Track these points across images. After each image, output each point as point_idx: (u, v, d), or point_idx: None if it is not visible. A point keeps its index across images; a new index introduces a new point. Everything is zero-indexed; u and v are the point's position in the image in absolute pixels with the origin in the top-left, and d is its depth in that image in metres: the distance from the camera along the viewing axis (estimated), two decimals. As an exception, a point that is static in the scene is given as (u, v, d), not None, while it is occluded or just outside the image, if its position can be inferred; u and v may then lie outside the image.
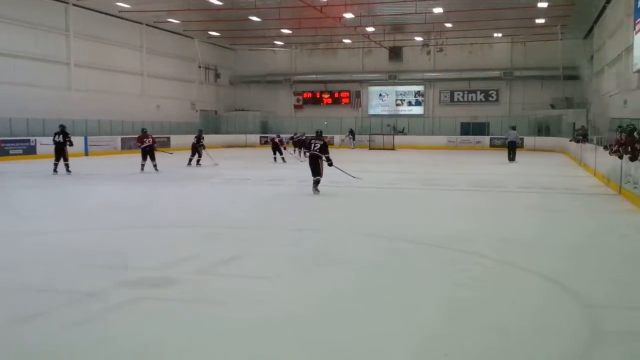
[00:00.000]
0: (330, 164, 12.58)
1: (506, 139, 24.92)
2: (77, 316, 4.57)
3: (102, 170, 19.29)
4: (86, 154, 26.37)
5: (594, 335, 4.32)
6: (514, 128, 25.31)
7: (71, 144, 17.15)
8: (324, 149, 12.54)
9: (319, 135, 13.19)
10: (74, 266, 6.26)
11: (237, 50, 42.78)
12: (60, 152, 16.93)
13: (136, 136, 19.80)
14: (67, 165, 16.87)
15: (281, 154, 23.00)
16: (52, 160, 17.10)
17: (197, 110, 39.12)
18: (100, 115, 28.96)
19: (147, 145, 17.98)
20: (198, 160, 20.67)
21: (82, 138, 26.62)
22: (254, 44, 40.08)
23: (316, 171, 12.44)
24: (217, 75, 41.25)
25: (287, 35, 36.29)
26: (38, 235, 8.05)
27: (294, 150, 25.48)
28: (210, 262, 6.37)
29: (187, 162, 20.54)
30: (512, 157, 23.80)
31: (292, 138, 27.47)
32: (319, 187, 12.40)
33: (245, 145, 37.48)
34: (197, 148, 20.71)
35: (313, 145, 12.70)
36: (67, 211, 10.51)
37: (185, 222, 9.20)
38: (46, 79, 27.03)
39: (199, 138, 20.86)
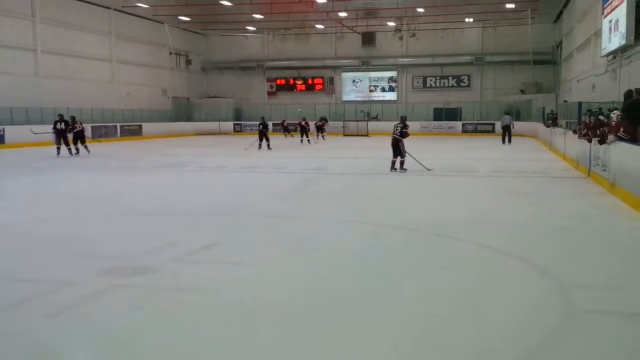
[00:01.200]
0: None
1: (501, 123, 26.62)
2: (54, 305, 4.52)
3: (72, 159, 18.94)
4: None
5: (564, 314, 4.43)
6: (507, 113, 27.36)
7: (70, 131, 19.41)
8: (404, 133, 13.90)
9: (402, 120, 14.34)
10: (48, 255, 6.17)
11: (209, 36, 42.30)
12: (64, 139, 19.10)
13: (106, 124, 22.93)
14: (69, 149, 19.19)
15: (307, 136, 27.28)
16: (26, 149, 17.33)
17: (168, 97, 38.67)
18: (69, 102, 28.34)
19: (78, 131, 19.71)
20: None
21: (51, 126, 26.06)
22: (225, 29, 39.65)
23: (397, 152, 13.93)
24: (189, 62, 40.78)
25: (259, 21, 36.01)
26: (8, 224, 7.91)
27: (317, 135, 29.47)
28: (188, 249, 6.34)
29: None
30: (508, 140, 25.59)
31: (316, 123, 30.79)
32: (404, 166, 13.98)
33: (219, 133, 37.18)
34: None
35: (395, 129, 13.98)
36: (39, 200, 10.34)
37: (162, 210, 9.12)
38: (12, 66, 26.41)
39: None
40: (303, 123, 27.76)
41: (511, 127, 26.02)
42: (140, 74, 35.66)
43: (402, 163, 13.99)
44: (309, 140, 27.06)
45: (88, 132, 27.75)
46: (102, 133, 29.03)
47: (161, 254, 6.07)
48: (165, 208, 9.33)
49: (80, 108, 28.69)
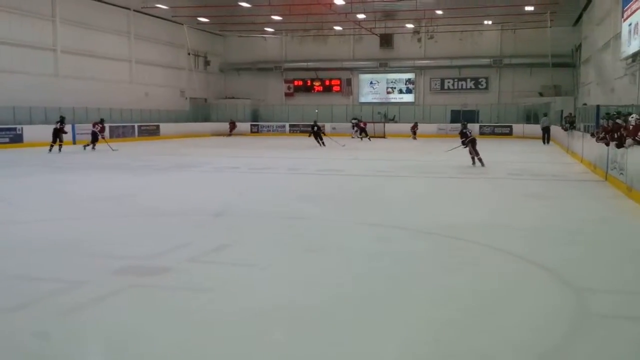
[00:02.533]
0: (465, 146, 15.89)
1: (541, 125, 28.53)
2: (67, 305, 4.56)
3: (90, 158, 19.15)
4: (74, 142, 26.15)
5: (577, 317, 4.39)
6: (546, 115, 29.38)
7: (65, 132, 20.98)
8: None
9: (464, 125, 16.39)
10: (62, 255, 6.23)
11: (227, 37, 42.51)
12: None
13: (124, 124, 24.38)
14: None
15: (367, 135, 30.79)
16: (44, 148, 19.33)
17: (186, 98, 38.91)
18: (88, 102, 28.70)
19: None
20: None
21: (70, 126, 26.40)
22: (243, 30, 39.82)
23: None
24: (207, 63, 41.01)
25: (278, 22, 36.09)
26: (25, 224, 8.02)
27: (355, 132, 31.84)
28: (201, 250, 6.37)
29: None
30: (547, 141, 27.52)
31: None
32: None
33: (235, 134, 37.34)
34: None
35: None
36: (55, 200, 10.46)
37: (176, 211, 9.17)
38: (32, 65, 26.73)
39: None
40: (362, 124, 31.52)
41: (549, 128, 27.81)
42: (158, 75, 35.93)
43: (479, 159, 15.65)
44: (369, 139, 30.58)
45: (106, 132, 28.25)
46: (120, 133, 29.28)
47: (175, 255, 6.11)
48: (180, 208, 9.37)
49: (98, 108, 29.01)
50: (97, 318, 4.32)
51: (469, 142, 15.79)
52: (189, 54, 38.65)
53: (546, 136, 27.92)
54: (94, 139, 22.41)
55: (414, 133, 32.24)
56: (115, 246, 6.59)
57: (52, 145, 20.65)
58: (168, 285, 5.12)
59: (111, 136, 28.43)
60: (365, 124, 31.90)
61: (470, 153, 15.83)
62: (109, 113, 29.61)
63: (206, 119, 39.20)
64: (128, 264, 5.74)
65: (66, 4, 28.47)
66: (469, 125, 17.68)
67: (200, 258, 6.04)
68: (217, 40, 42.28)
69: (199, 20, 36.31)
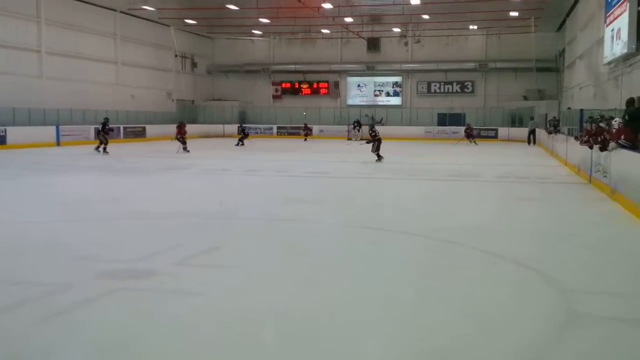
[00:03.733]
0: None
1: (529, 127, 31.06)
2: (54, 308, 4.53)
3: (76, 160, 19.03)
4: (58, 144, 25.97)
5: (567, 319, 4.45)
6: (532, 118, 31.77)
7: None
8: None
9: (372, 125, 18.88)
10: (48, 258, 6.18)
11: (215, 39, 42.41)
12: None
13: (111, 126, 23.05)
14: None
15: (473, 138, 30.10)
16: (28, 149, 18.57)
17: (173, 100, 38.74)
18: (73, 104, 28.49)
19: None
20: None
21: (54, 127, 26.24)
22: (231, 32, 39.77)
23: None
24: (194, 64, 40.89)
25: (265, 25, 36.10)
26: (10, 225, 7.95)
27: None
28: (189, 253, 6.35)
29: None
30: (533, 142, 29.92)
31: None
32: None
33: (223, 136, 37.26)
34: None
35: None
36: (40, 202, 10.35)
37: (163, 213, 9.12)
38: (17, 66, 26.45)
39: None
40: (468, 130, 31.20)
41: (535, 130, 30.23)
42: (145, 76, 35.75)
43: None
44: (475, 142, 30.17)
45: (90, 134, 28.06)
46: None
47: (162, 258, 6.07)
48: (167, 211, 9.31)
49: (83, 110, 28.86)
50: (84, 322, 4.29)
51: (375, 141, 17.37)
52: (176, 55, 38.49)
53: (532, 138, 30.08)
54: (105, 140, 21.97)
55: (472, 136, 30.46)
56: (101, 249, 6.54)
57: (98, 146, 21.52)
58: (156, 289, 5.09)
59: (96, 138, 28.22)
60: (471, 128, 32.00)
61: (373, 151, 17.82)
62: (94, 115, 29.42)
63: (193, 121, 39.02)
64: (115, 268, 5.71)
65: (51, 4, 28.25)
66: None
67: (188, 261, 6.03)
68: (204, 42, 42.18)
69: (186, 22, 36.21)
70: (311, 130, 35.23)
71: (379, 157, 17.84)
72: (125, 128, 31.14)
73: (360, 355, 3.81)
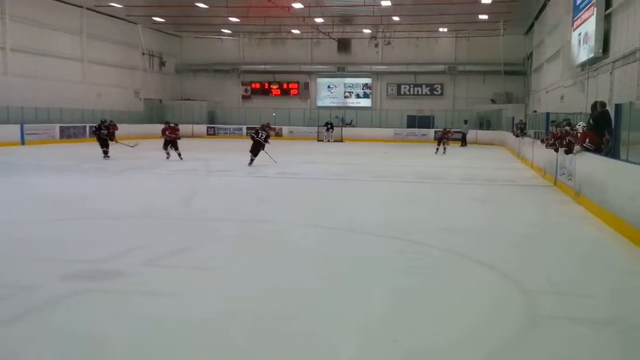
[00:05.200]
0: None
1: (463, 130, 32.04)
2: (17, 310, 4.43)
3: (40, 160, 18.61)
4: (22, 142, 25.37)
5: (533, 320, 4.52)
6: (466, 122, 32.71)
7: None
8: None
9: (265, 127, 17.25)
10: (12, 259, 6.05)
11: (183, 38, 41.96)
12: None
13: (75, 125, 23.29)
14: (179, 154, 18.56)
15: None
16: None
17: (140, 99, 38.19)
18: (38, 102, 27.86)
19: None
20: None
21: (18, 126, 25.62)
22: (200, 31, 39.39)
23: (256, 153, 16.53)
24: (162, 63, 40.38)
25: (235, 24, 35.87)
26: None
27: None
28: (156, 253, 6.28)
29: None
30: (464, 144, 30.88)
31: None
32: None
33: (192, 136, 36.88)
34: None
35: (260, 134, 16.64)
36: (4, 203, 10.11)
37: (130, 214, 9.01)
38: (-20, 63, 25.78)
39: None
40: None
41: (466, 134, 31.68)
42: (112, 75, 35.17)
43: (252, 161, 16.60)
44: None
45: (55, 132, 27.47)
46: (71, 133, 28.58)
47: (128, 258, 6.00)
48: (134, 211, 9.21)
49: (48, 108, 28.24)
50: (50, 323, 4.21)
51: (263, 144, 16.77)
52: (143, 54, 37.95)
53: (464, 140, 31.54)
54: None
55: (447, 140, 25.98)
56: (66, 250, 6.43)
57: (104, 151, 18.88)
58: (123, 290, 5.03)
59: (61, 137, 27.75)
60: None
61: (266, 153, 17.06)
62: (59, 113, 28.86)
63: (161, 120, 38.46)
64: (80, 268, 5.61)
65: (16, 1, 27.58)
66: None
67: (155, 262, 5.95)
68: (173, 41, 41.69)
69: (154, 20, 35.69)
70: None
71: (252, 160, 16.72)
72: (91, 127, 30.54)
73: (332, 355, 3.81)
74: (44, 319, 4.30)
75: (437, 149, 24.74)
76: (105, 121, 20.36)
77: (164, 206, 9.80)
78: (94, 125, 20.85)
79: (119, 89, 35.63)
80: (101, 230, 7.80)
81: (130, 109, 36.15)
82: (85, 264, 5.77)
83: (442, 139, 25.41)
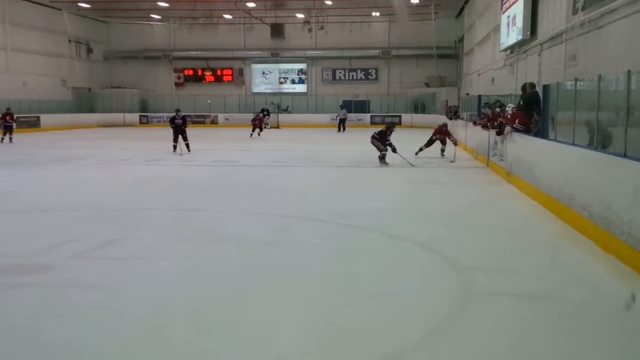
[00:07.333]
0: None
1: (341, 116, 31.39)
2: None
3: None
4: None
5: (467, 296, 4.65)
6: (342, 107, 32.46)
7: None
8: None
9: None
10: None
11: (111, 24, 40.47)
12: (181, 133, 16.91)
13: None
14: (187, 145, 16.90)
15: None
16: None
17: (68, 88, 36.70)
18: (-43, 92, 26.31)
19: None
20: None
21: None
22: (128, 17, 38.09)
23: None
24: (90, 50, 38.88)
25: (164, 9, 34.90)
26: None
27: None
28: (87, 246, 6.07)
29: None
30: (343, 129, 30.51)
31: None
32: None
33: (124, 125, 35.84)
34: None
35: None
36: None
37: (60, 206, 8.68)
38: None
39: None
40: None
41: (345, 119, 31.26)
42: (37, 63, 33.58)
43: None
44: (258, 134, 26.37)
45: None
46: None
47: (59, 251, 5.80)
48: (64, 204, 8.88)
49: (-31, 98, 26.69)
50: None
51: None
52: (69, 41, 36.40)
53: (342, 126, 30.81)
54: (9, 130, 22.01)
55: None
56: (-7, 245, 6.12)
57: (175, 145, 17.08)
58: (54, 284, 4.87)
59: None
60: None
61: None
62: (-20, 104, 27.31)
63: (91, 109, 37.26)
64: (8, 263, 5.41)
65: None
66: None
67: (86, 254, 5.78)
68: (100, 27, 40.16)
69: (79, 5, 34.26)
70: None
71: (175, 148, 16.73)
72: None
73: (270, 341, 3.79)
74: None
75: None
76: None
77: (94, 197, 9.47)
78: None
79: (45, 78, 34.11)
80: (30, 223, 7.51)
81: (58, 98, 34.71)
82: (15, 258, 5.56)
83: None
